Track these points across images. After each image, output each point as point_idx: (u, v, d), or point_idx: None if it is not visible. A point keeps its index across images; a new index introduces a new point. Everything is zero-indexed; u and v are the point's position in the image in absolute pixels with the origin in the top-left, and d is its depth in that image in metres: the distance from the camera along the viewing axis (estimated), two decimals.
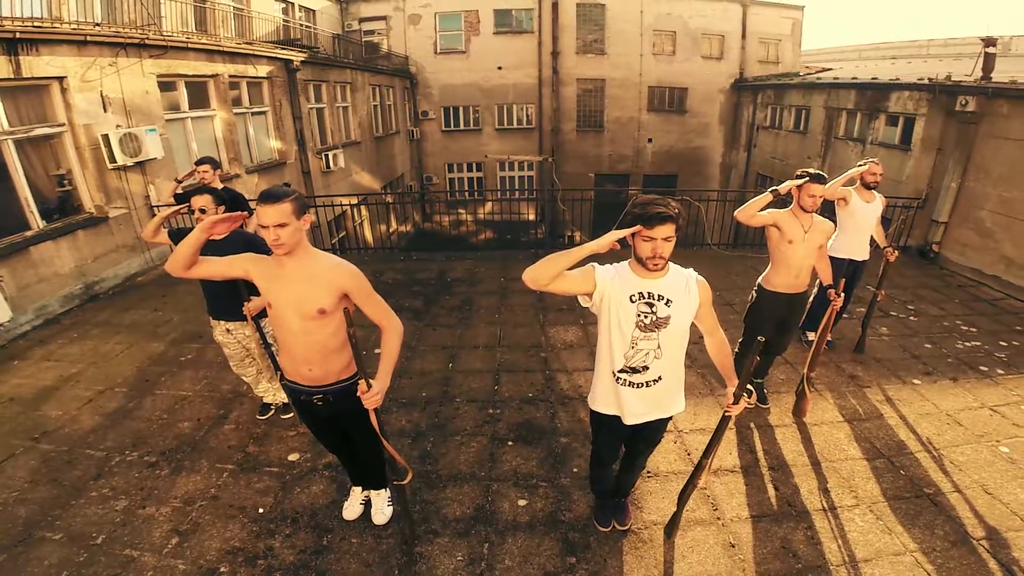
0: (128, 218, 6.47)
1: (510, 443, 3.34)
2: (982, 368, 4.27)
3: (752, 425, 3.51)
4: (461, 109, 17.71)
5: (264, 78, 9.39)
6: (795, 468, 3.11)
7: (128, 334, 4.94)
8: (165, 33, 7.29)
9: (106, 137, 6.01)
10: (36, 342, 4.84)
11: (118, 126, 6.23)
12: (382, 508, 2.71)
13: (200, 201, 2.90)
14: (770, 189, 3.19)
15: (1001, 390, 3.95)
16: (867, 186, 4.14)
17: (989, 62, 7.41)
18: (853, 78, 12.14)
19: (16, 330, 4.97)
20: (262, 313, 2.93)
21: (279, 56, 9.62)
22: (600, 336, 2.11)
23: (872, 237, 4.27)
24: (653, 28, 16.73)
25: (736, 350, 3.56)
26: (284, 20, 12.45)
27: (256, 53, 8.97)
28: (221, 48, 8.10)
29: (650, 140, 17.84)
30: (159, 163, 6.81)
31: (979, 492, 2.90)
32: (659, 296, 1.96)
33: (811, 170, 3.16)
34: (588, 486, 2.83)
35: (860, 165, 4.16)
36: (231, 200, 3.86)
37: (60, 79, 5.64)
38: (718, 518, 2.74)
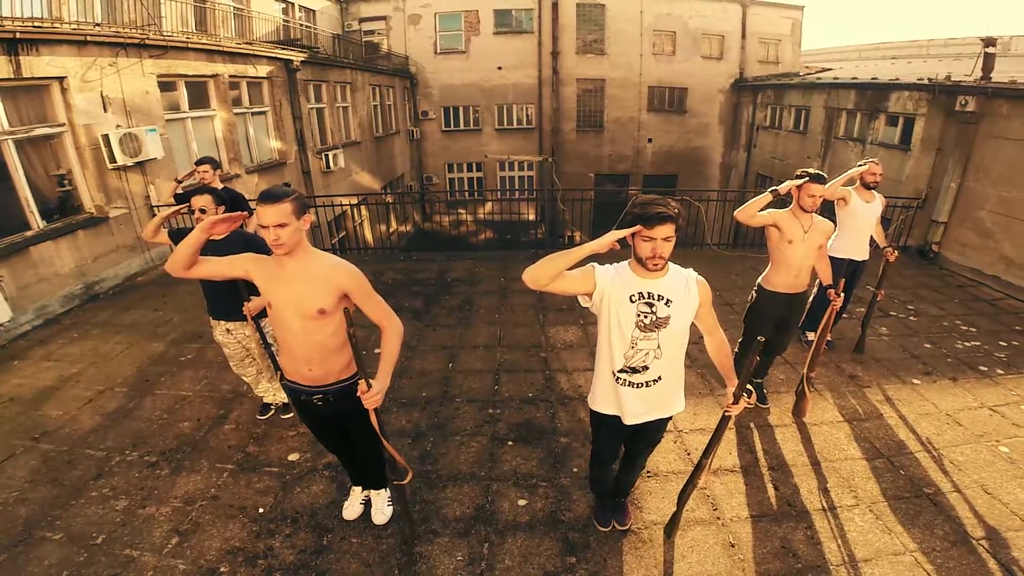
0: (128, 218, 6.47)
1: (510, 443, 3.35)
2: (982, 368, 4.27)
3: (752, 425, 3.52)
4: (461, 109, 17.71)
5: (264, 78, 9.39)
6: (795, 468, 3.11)
7: (128, 334, 4.94)
8: (165, 33, 7.29)
9: (106, 137, 6.01)
10: (36, 342, 4.84)
11: (118, 126, 6.23)
12: (382, 508, 2.72)
13: (200, 201, 2.90)
14: (770, 189, 3.19)
15: (1001, 390, 3.95)
16: (867, 186, 4.14)
17: (989, 62, 7.42)
18: (853, 78, 12.15)
19: (16, 330, 4.97)
20: (262, 313, 2.93)
21: (279, 56, 9.62)
22: (600, 336, 2.11)
23: (872, 237, 4.27)
24: (653, 28, 16.73)
25: (736, 350, 3.56)
26: (284, 20, 12.45)
27: (256, 53, 8.97)
28: (221, 48, 8.10)
29: (650, 140, 17.85)
30: (159, 163, 6.81)
31: (979, 492, 2.91)
32: (659, 296, 1.97)
33: (811, 170, 3.16)
34: (588, 486, 2.83)
35: (860, 165, 4.16)
36: (231, 200, 3.86)
37: (60, 79, 5.64)
38: (718, 518, 2.74)
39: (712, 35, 17.06)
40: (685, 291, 2.01)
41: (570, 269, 1.91)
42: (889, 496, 2.88)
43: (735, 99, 17.36)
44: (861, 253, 4.29)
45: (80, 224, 5.89)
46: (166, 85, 7.24)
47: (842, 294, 3.27)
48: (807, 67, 18.66)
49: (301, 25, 13.40)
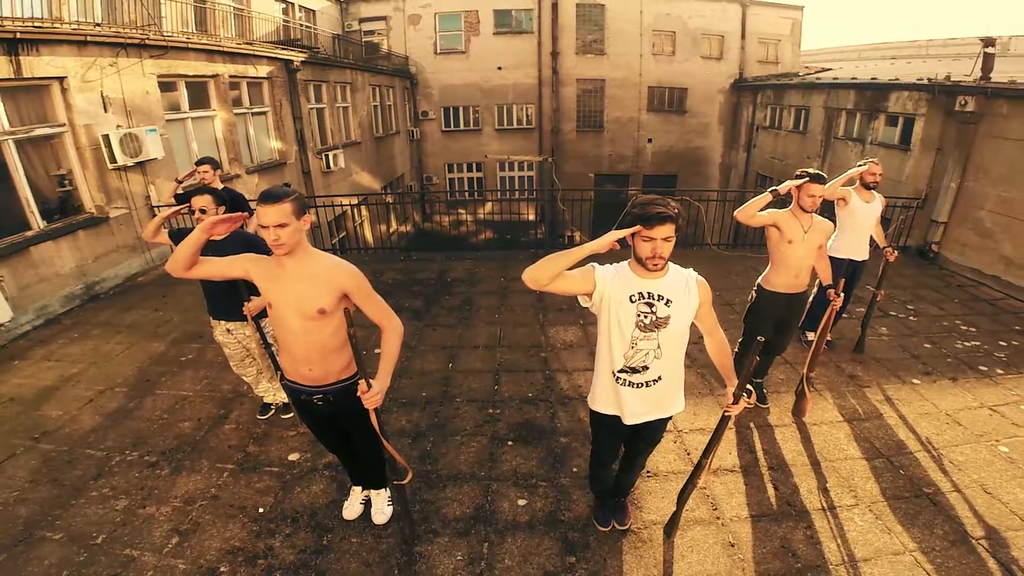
0: (128, 218, 6.47)
1: (510, 443, 3.35)
2: (981, 368, 4.27)
3: (752, 425, 3.52)
4: (461, 109, 17.72)
5: (264, 78, 9.39)
6: (795, 468, 3.12)
7: (129, 334, 4.94)
8: (165, 33, 7.29)
9: (106, 137, 6.01)
10: (37, 342, 4.84)
11: (118, 126, 6.23)
12: (382, 508, 2.72)
13: (200, 201, 2.90)
14: (770, 189, 3.20)
15: (1000, 390, 3.96)
16: (867, 186, 4.14)
17: (988, 62, 7.42)
18: (853, 78, 12.15)
19: (17, 330, 4.97)
20: (262, 313, 2.93)
21: (279, 56, 9.62)
22: (600, 336, 2.11)
23: (872, 237, 4.28)
24: (653, 28, 16.73)
25: (736, 350, 3.56)
26: (284, 20, 12.46)
27: (256, 53, 8.97)
28: (221, 48, 8.10)
29: (650, 140, 17.85)
30: (159, 163, 6.81)
31: (978, 491, 2.91)
32: (659, 296, 1.97)
33: (811, 170, 3.17)
34: (588, 486, 2.83)
35: (860, 165, 4.17)
36: (231, 200, 3.86)
37: (60, 79, 5.65)
38: (717, 518, 2.75)
39: (712, 35, 17.07)
40: (685, 291, 2.01)
41: (570, 269, 1.91)
42: (889, 496, 2.88)
43: (735, 99, 17.36)
44: (861, 253, 4.29)
45: (80, 224, 5.89)
46: (166, 85, 7.24)
47: (842, 294, 3.27)
48: (807, 67, 18.67)
49: (301, 25, 13.41)
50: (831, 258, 3.82)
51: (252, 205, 3.98)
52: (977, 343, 4.72)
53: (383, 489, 2.75)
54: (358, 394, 2.00)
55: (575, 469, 3.09)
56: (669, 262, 1.99)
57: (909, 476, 3.04)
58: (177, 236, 2.97)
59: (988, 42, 7.61)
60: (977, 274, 6.70)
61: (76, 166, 5.95)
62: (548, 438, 3.39)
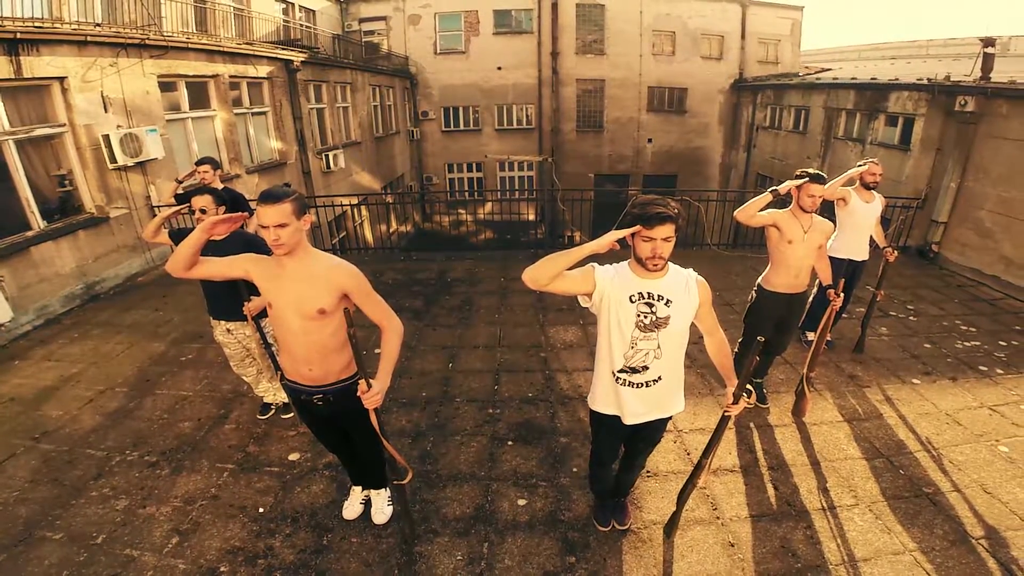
0: (129, 218, 6.47)
1: (510, 443, 3.35)
2: (981, 368, 4.28)
3: (752, 425, 3.52)
4: (461, 109, 17.72)
5: (264, 78, 9.39)
6: (794, 468, 3.12)
7: (129, 334, 4.94)
8: (165, 33, 7.29)
9: (107, 137, 6.02)
10: (37, 342, 4.84)
11: (119, 126, 6.23)
12: (382, 508, 2.72)
13: (200, 201, 2.90)
14: (770, 189, 3.20)
15: (1000, 390, 3.96)
16: (866, 186, 4.14)
17: (988, 62, 7.42)
18: (852, 78, 12.15)
19: (17, 330, 4.97)
20: (262, 313, 2.93)
21: (279, 56, 9.63)
22: (600, 336, 2.11)
23: (871, 237, 4.28)
24: (652, 28, 16.74)
25: (736, 350, 3.56)
26: (284, 20, 12.46)
27: (256, 53, 8.98)
28: (221, 48, 8.11)
29: (650, 140, 17.85)
30: (160, 163, 6.81)
31: (978, 491, 2.91)
32: (659, 296, 1.97)
33: (810, 170, 3.17)
34: (588, 486, 2.84)
35: (860, 165, 4.17)
36: (231, 200, 3.86)
37: (61, 79, 5.65)
38: (717, 518, 2.75)
39: (712, 35, 17.07)
40: (685, 291, 2.01)
41: (570, 269, 1.92)
42: (889, 496, 2.88)
43: (735, 99, 17.36)
44: (861, 253, 4.29)
45: (81, 224, 5.89)
46: (166, 85, 7.24)
47: (842, 294, 3.28)
48: (807, 67, 18.67)
49: (301, 25, 13.41)
50: (831, 258, 3.82)
51: (252, 205, 3.98)
52: (977, 343, 4.73)
53: (383, 489, 2.75)
54: (358, 394, 2.00)
55: (575, 469, 3.10)
56: (669, 262, 1.99)
57: (909, 476, 3.04)
58: (177, 236, 2.97)
59: (988, 42, 7.61)
60: (977, 274, 6.71)
61: (76, 166, 5.95)
62: (548, 438, 3.39)
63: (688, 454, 3.24)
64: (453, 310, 5.48)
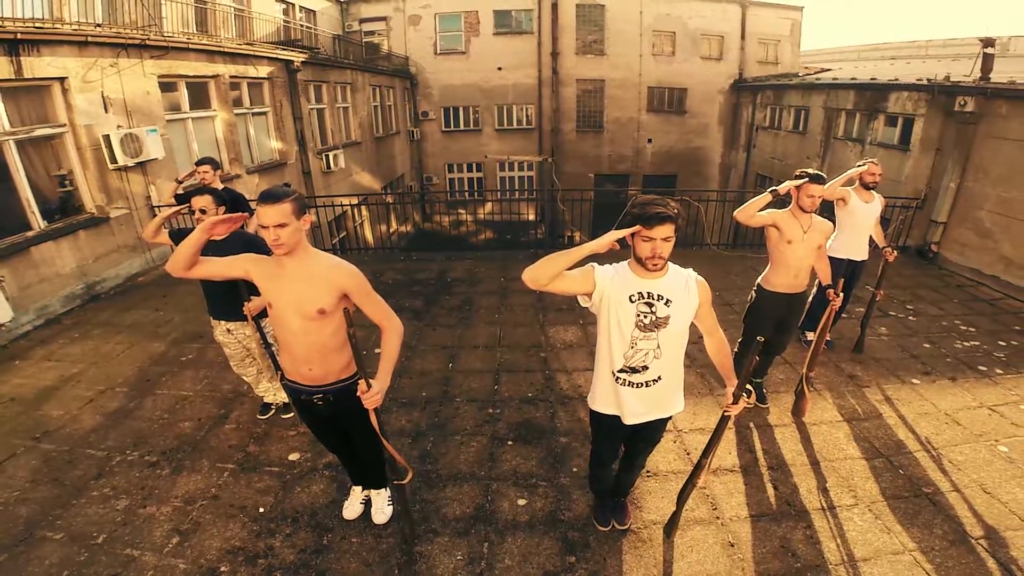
0: (129, 218, 6.48)
1: (510, 443, 3.35)
2: (981, 368, 4.28)
3: (751, 425, 3.52)
4: (461, 109, 17.73)
5: (265, 79, 9.40)
6: (794, 468, 3.12)
7: (129, 334, 4.95)
8: (166, 34, 7.30)
9: (107, 137, 6.02)
10: (37, 342, 4.85)
11: (119, 127, 6.24)
12: (382, 507, 2.72)
13: (200, 202, 2.90)
14: (769, 189, 3.20)
15: (1000, 390, 3.96)
16: (866, 186, 4.15)
17: (988, 63, 7.43)
18: (852, 78, 12.15)
19: (17, 330, 4.98)
20: (262, 313, 2.94)
21: (280, 57, 9.63)
22: (600, 336, 2.11)
23: (871, 237, 4.28)
24: (652, 29, 16.74)
25: (736, 350, 3.56)
26: (284, 21, 12.46)
27: (257, 54, 8.98)
28: (222, 49, 8.11)
29: (650, 140, 17.86)
30: (160, 163, 6.82)
31: (977, 491, 2.91)
32: (658, 296, 1.97)
33: (810, 170, 3.17)
34: (588, 485, 2.84)
35: (859, 165, 4.17)
36: (231, 201, 3.86)
37: (61, 80, 5.65)
38: (717, 517, 2.75)
39: (711, 35, 17.07)
40: (685, 291, 2.01)
41: (570, 269, 1.92)
42: (888, 495, 2.88)
43: (735, 99, 17.37)
44: (860, 253, 4.29)
45: (81, 224, 5.89)
46: (167, 85, 7.25)
47: (841, 294, 3.28)
48: (806, 67, 18.68)
49: (301, 26, 13.41)
50: (830, 258, 3.82)
51: (252, 205, 3.99)
52: (976, 343, 4.73)
53: (383, 489, 2.75)
54: (358, 394, 2.01)
55: (575, 469, 3.10)
56: (669, 262, 1.99)
57: (908, 476, 3.04)
58: (177, 236, 2.98)
59: (987, 42, 7.61)
60: (976, 274, 6.71)
61: (77, 166, 5.96)
62: (548, 438, 3.40)
63: (688, 454, 3.24)
64: (453, 310, 5.49)
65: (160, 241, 3.03)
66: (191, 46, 7.40)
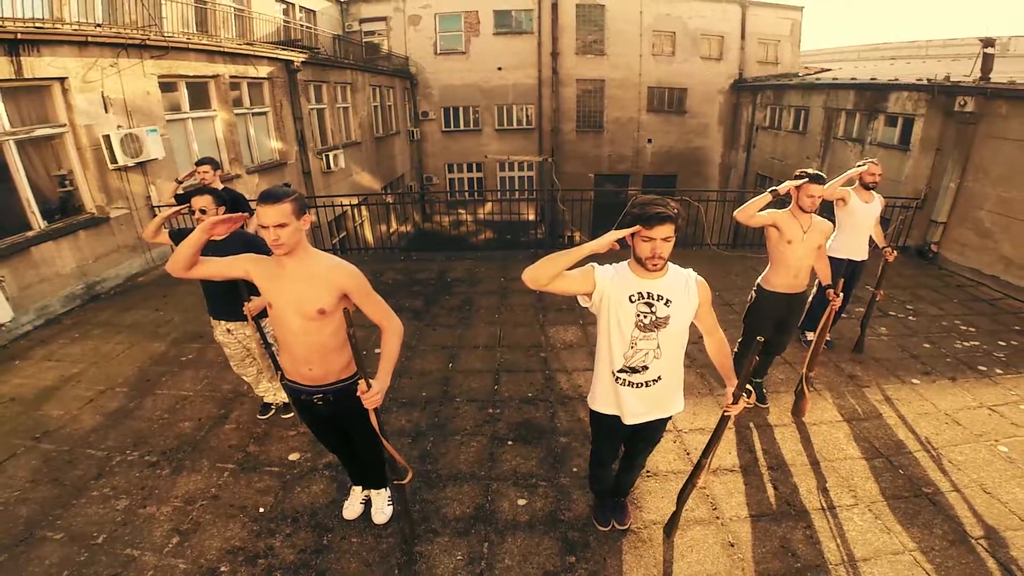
0: (129, 218, 6.48)
1: (510, 443, 3.35)
2: (981, 368, 4.28)
3: (751, 425, 3.52)
4: (461, 109, 17.73)
5: (265, 79, 9.40)
6: (794, 467, 3.12)
7: (129, 334, 4.95)
8: (166, 34, 7.30)
9: (107, 138, 6.02)
10: (37, 342, 4.85)
11: (119, 127, 6.24)
12: (382, 507, 2.72)
13: (200, 202, 2.90)
14: (769, 189, 3.20)
15: (1000, 390, 3.96)
16: (866, 186, 4.15)
17: (988, 63, 7.43)
18: (852, 79, 12.15)
19: (17, 330, 4.98)
20: (262, 313, 2.94)
21: (280, 57, 9.63)
22: (599, 336, 2.11)
23: (871, 237, 4.28)
24: (652, 29, 16.74)
25: (735, 350, 3.57)
26: (285, 21, 12.47)
27: (257, 54, 8.98)
28: (222, 49, 8.11)
29: (650, 140, 17.86)
30: (160, 163, 6.82)
31: (977, 491, 2.91)
32: (658, 296, 1.97)
33: (810, 170, 3.17)
34: (588, 485, 2.84)
35: (859, 165, 4.17)
36: (231, 201, 3.86)
37: (61, 80, 5.65)
38: (717, 517, 2.75)
39: (711, 35, 17.08)
40: (685, 291, 2.01)
41: (570, 269, 1.92)
42: (888, 495, 2.89)
43: (735, 99, 17.37)
44: (860, 253, 4.29)
45: (81, 224, 5.90)
46: (167, 86, 7.25)
47: (841, 294, 3.28)
48: (806, 67, 18.68)
49: (301, 26, 13.41)
50: (830, 258, 3.83)
51: (252, 205, 3.99)
52: (976, 343, 4.73)
53: (383, 489, 2.75)
54: (358, 394, 2.01)
55: (575, 469, 3.10)
56: (668, 262, 1.99)
57: (908, 476, 3.04)
58: (177, 236, 2.98)
59: (987, 42, 7.61)
60: (976, 274, 6.71)
61: (77, 166, 5.96)
62: (548, 438, 3.40)
63: (688, 454, 3.24)
64: (453, 310, 5.49)
65: (160, 241, 3.03)
66: (191, 46, 7.40)
